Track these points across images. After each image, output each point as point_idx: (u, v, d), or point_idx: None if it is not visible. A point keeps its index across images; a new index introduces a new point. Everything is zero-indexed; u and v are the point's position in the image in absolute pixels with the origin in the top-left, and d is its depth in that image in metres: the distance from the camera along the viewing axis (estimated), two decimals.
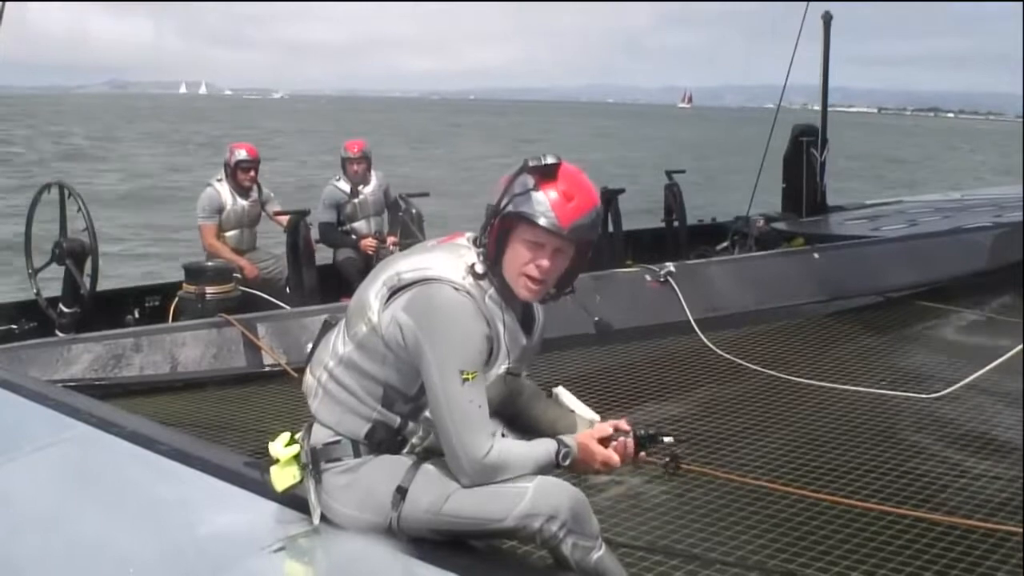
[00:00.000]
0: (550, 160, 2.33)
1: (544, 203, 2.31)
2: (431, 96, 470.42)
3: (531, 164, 2.33)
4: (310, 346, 2.59)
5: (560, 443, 2.42)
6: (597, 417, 2.58)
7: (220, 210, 6.84)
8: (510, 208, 2.33)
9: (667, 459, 2.56)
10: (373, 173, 7.40)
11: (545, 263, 2.35)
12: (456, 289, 2.32)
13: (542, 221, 2.31)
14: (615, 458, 2.48)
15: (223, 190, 6.88)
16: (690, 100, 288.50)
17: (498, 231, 2.35)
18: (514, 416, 2.57)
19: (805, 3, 8.80)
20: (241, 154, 6.90)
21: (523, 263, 2.35)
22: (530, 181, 2.33)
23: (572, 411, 2.59)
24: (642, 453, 2.55)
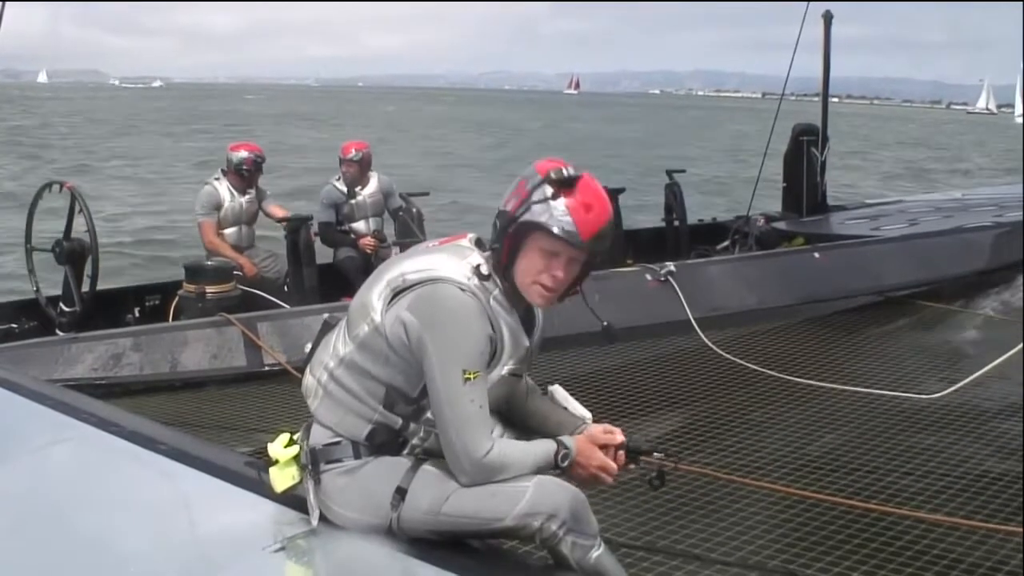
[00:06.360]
0: (571, 172, 2.33)
1: (564, 213, 2.31)
2: (307, 82, 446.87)
3: (553, 175, 2.32)
4: (309, 346, 2.59)
5: (560, 444, 2.41)
6: (588, 414, 2.58)
7: (218, 207, 6.83)
8: (528, 216, 2.33)
9: (654, 474, 2.52)
10: (374, 175, 7.37)
11: (560, 273, 2.36)
12: (461, 289, 2.32)
13: (561, 232, 2.31)
14: (613, 466, 2.44)
15: (220, 187, 6.87)
16: (577, 86, 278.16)
17: (513, 238, 2.35)
18: (509, 412, 2.58)
19: (805, 3, 8.79)
20: (250, 154, 6.89)
21: (537, 271, 2.36)
22: (549, 190, 2.32)
23: (564, 407, 2.60)
24: (631, 464, 2.51)
